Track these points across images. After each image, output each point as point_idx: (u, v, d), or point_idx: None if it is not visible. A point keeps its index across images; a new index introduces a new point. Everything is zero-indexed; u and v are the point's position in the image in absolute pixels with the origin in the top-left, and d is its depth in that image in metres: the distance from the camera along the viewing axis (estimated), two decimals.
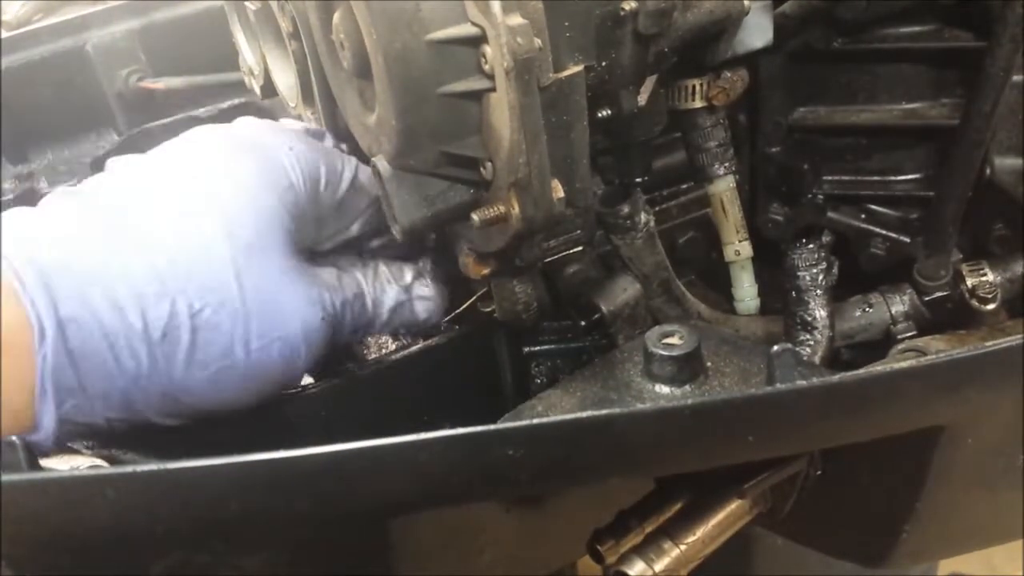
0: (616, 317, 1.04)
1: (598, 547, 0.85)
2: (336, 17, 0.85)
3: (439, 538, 0.96)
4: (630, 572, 0.82)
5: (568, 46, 0.86)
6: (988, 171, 1.12)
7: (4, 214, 0.88)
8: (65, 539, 0.73)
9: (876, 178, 1.19)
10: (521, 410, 0.93)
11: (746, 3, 0.97)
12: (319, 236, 0.99)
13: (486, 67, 0.78)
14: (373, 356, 1.05)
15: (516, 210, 0.83)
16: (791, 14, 1.06)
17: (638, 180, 1.10)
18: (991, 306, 1.11)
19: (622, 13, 0.89)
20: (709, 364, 0.91)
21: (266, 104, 1.48)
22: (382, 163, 0.86)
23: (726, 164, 1.10)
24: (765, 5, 1.01)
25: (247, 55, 1.21)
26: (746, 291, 1.16)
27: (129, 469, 0.68)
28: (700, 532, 0.84)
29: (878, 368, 0.87)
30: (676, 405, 0.73)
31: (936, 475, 0.87)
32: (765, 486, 0.87)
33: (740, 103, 1.13)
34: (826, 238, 1.17)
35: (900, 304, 1.15)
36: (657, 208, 1.18)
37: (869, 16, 1.09)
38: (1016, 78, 1.07)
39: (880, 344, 1.15)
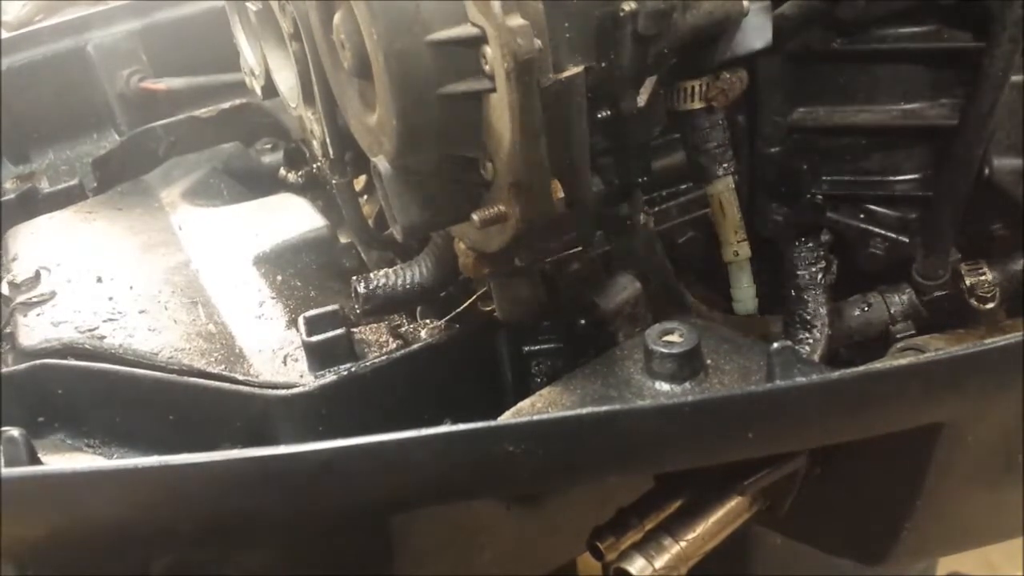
0: (616, 315, 1.04)
1: (598, 544, 0.85)
2: (337, 18, 0.85)
3: (440, 536, 0.96)
4: (630, 569, 0.82)
5: (568, 47, 0.87)
6: (987, 171, 1.12)
7: None
8: (66, 535, 0.73)
9: (875, 178, 1.19)
10: (521, 407, 0.93)
11: (745, 4, 0.97)
12: None
13: (486, 68, 0.78)
14: (373, 355, 1.05)
15: (516, 210, 0.83)
16: (790, 15, 1.07)
17: (637, 180, 1.10)
18: (990, 305, 1.11)
19: (622, 14, 0.90)
20: (709, 362, 0.91)
21: (267, 104, 1.48)
22: (382, 163, 0.86)
23: (725, 165, 1.11)
24: (764, 6, 1.02)
25: (248, 56, 1.21)
26: (745, 291, 1.16)
27: (130, 464, 0.68)
28: (700, 529, 0.84)
29: (877, 366, 0.87)
30: (676, 402, 0.73)
31: (935, 473, 0.88)
32: (765, 483, 0.87)
33: (739, 104, 1.13)
34: (825, 237, 1.17)
35: (899, 303, 1.15)
36: (656, 208, 1.18)
37: (868, 16, 1.10)
38: (1015, 78, 1.07)
39: (879, 343, 1.15)
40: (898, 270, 1.18)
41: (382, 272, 1.12)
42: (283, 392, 1.01)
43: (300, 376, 1.03)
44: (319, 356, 1.03)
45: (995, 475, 0.95)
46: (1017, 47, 1.02)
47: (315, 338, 1.03)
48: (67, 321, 1.11)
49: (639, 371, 0.91)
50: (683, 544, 0.83)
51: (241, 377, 1.04)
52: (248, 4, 1.11)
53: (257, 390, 1.02)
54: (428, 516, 0.91)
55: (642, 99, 1.00)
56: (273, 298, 1.16)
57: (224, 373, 1.04)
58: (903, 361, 0.81)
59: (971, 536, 1.11)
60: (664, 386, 0.89)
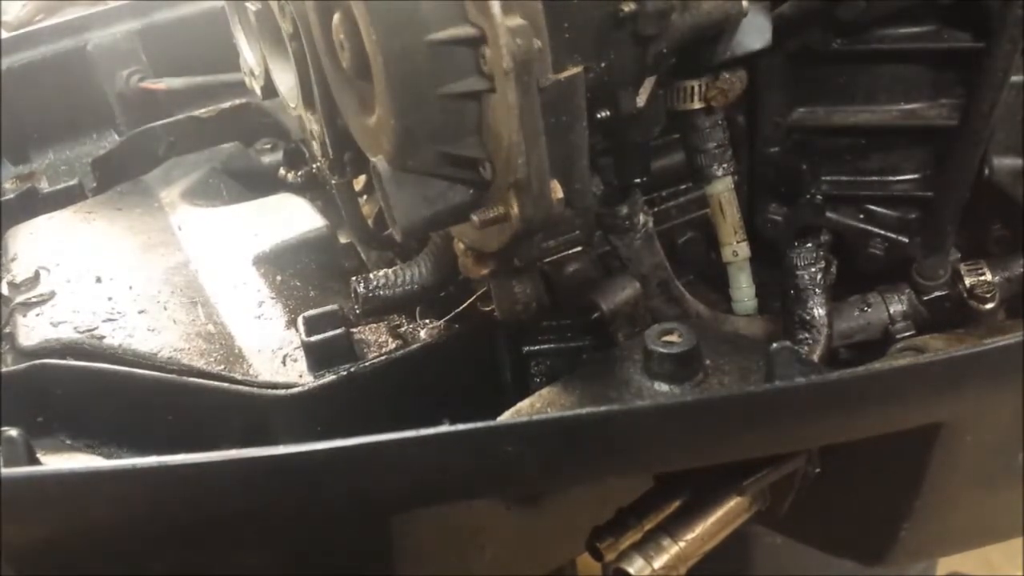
0: (615, 316, 1.04)
1: (597, 545, 0.85)
2: (336, 18, 0.85)
3: (440, 535, 0.96)
4: (629, 569, 0.82)
5: (567, 47, 0.87)
6: (987, 171, 1.12)
7: None
8: (65, 535, 0.73)
9: (875, 178, 1.19)
10: (521, 407, 0.93)
11: (744, 4, 0.97)
12: None
13: (485, 68, 0.78)
14: (373, 355, 1.05)
15: (515, 211, 0.83)
16: (790, 15, 1.07)
17: (637, 181, 1.10)
18: (989, 305, 1.11)
19: (621, 15, 0.90)
20: (708, 362, 0.91)
21: (267, 104, 1.48)
22: (382, 164, 0.86)
23: (724, 165, 1.11)
24: (763, 6, 1.02)
25: (248, 56, 1.21)
26: (744, 291, 1.16)
27: (130, 464, 0.68)
28: (699, 529, 0.84)
29: (876, 366, 0.87)
30: (675, 402, 0.73)
31: (934, 473, 0.88)
32: (764, 483, 0.87)
33: (739, 104, 1.13)
34: (824, 237, 1.17)
35: (898, 304, 1.15)
36: (656, 209, 1.18)
37: (868, 17, 1.10)
38: (1015, 78, 1.07)
39: (879, 344, 1.15)
40: (898, 270, 1.18)
41: (382, 272, 1.12)
42: (282, 392, 1.02)
43: (299, 376, 1.03)
44: (318, 356, 1.03)
45: (995, 475, 0.95)
46: (1017, 47, 1.02)
47: (314, 338, 1.03)
48: (66, 321, 1.11)
49: (638, 371, 0.91)
50: (682, 544, 0.83)
51: (240, 377, 1.04)
52: (248, 4, 1.11)
53: (256, 390, 1.02)
54: (428, 516, 0.91)
55: (641, 99, 0.99)
56: (273, 298, 1.16)
57: (223, 373, 1.04)
58: (903, 361, 0.81)
59: (971, 536, 1.11)
60: (663, 386, 0.89)
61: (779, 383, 0.77)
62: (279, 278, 1.20)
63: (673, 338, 0.89)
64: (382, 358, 1.05)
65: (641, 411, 0.74)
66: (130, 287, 1.17)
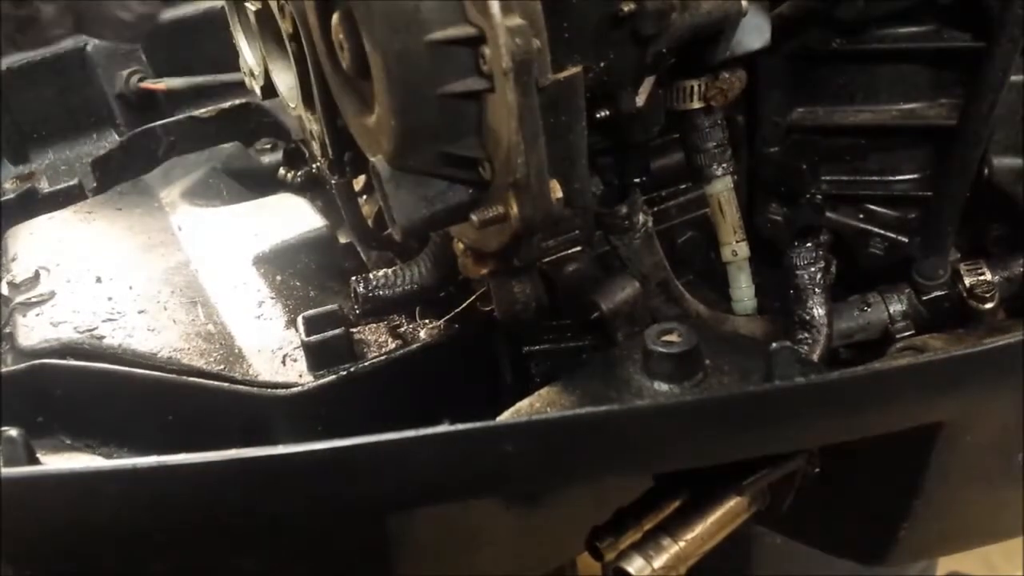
0: (615, 315, 1.04)
1: (597, 544, 0.85)
2: (335, 18, 0.85)
3: (439, 535, 0.96)
4: (629, 569, 0.82)
5: (567, 47, 0.87)
6: (986, 171, 1.12)
7: None
8: (65, 535, 0.73)
9: (874, 178, 1.19)
10: (520, 407, 0.93)
11: (744, 4, 0.97)
12: None
13: (485, 68, 0.78)
14: (373, 355, 1.05)
15: (515, 210, 0.83)
16: (789, 15, 1.07)
17: (636, 180, 1.10)
18: (989, 305, 1.11)
19: (621, 14, 0.90)
20: (708, 362, 0.90)
21: (267, 104, 1.48)
22: (381, 164, 0.86)
23: (724, 165, 1.11)
24: (763, 6, 1.02)
25: (247, 56, 1.21)
26: (743, 291, 1.16)
27: (130, 464, 0.68)
28: (699, 529, 0.84)
29: (876, 365, 0.87)
30: (675, 402, 0.73)
31: (934, 472, 0.88)
32: (764, 483, 0.87)
33: (738, 103, 1.13)
34: (824, 237, 1.17)
35: (898, 303, 1.15)
36: (655, 208, 1.18)
37: (867, 17, 1.10)
38: (1015, 78, 1.07)
39: (879, 344, 1.15)
40: (898, 270, 1.18)
41: (381, 272, 1.12)
42: (282, 392, 1.02)
43: (299, 376, 1.04)
44: (318, 356, 1.03)
45: (995, 475, 0.95)
46: (1017, 47, 1.02)
47: (314, 338, 1.03)
48: (66, 321, 1.12)
49: (638, 371, 0.91)
50: (682, 544, 0.83)
51: (240, 377, 1.04)
52: (248, 4, 1.11)
53: (256, 390, 1.02)
54: (427, 516, 0.91)
55: (641, 99, 0.99)
56: (272, 298, 1.16)
57: (223, 373, 1.04)
58: (903, 361, 0.81)
59: (971, 536, 1.11)
60: (663, 386, 0.89)
61: (779, 383, 0.77)
62: (279, 278, 1.20)
63: (673, 338, 0.89)
64: (382, 358, 1.05)
65: (641, 411, 0.74)
66: (130, 287, 1.18)
